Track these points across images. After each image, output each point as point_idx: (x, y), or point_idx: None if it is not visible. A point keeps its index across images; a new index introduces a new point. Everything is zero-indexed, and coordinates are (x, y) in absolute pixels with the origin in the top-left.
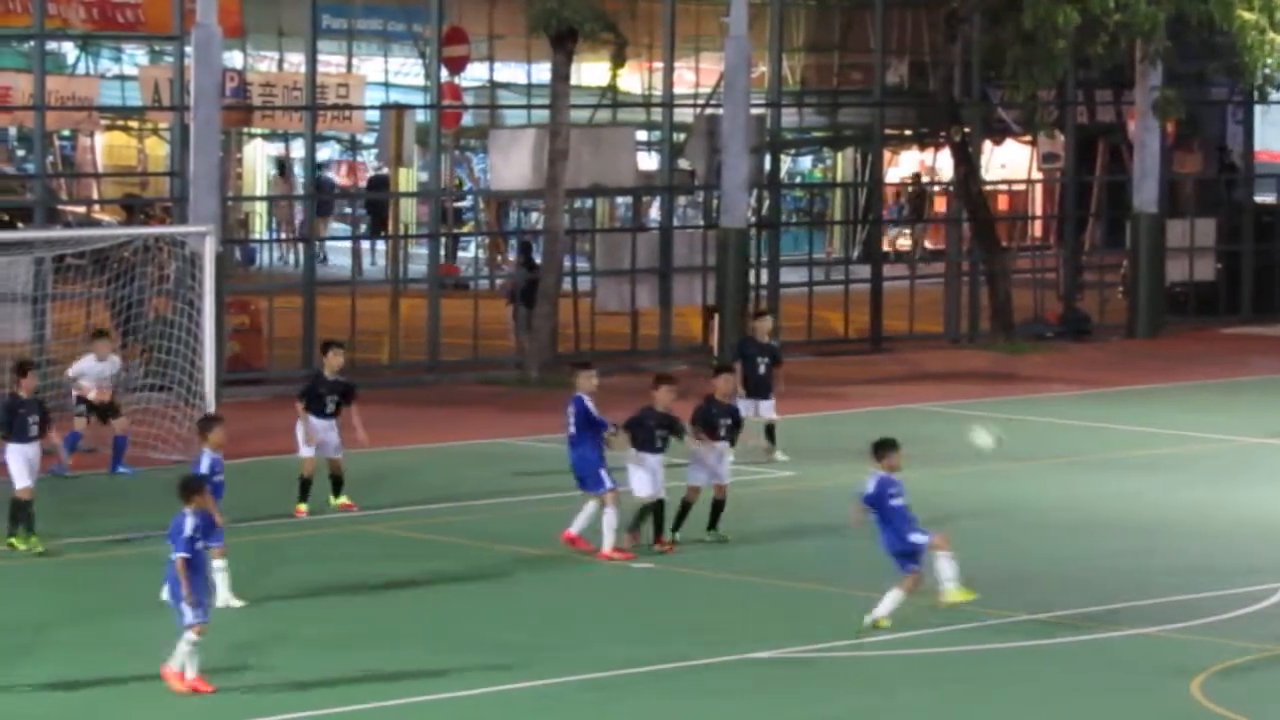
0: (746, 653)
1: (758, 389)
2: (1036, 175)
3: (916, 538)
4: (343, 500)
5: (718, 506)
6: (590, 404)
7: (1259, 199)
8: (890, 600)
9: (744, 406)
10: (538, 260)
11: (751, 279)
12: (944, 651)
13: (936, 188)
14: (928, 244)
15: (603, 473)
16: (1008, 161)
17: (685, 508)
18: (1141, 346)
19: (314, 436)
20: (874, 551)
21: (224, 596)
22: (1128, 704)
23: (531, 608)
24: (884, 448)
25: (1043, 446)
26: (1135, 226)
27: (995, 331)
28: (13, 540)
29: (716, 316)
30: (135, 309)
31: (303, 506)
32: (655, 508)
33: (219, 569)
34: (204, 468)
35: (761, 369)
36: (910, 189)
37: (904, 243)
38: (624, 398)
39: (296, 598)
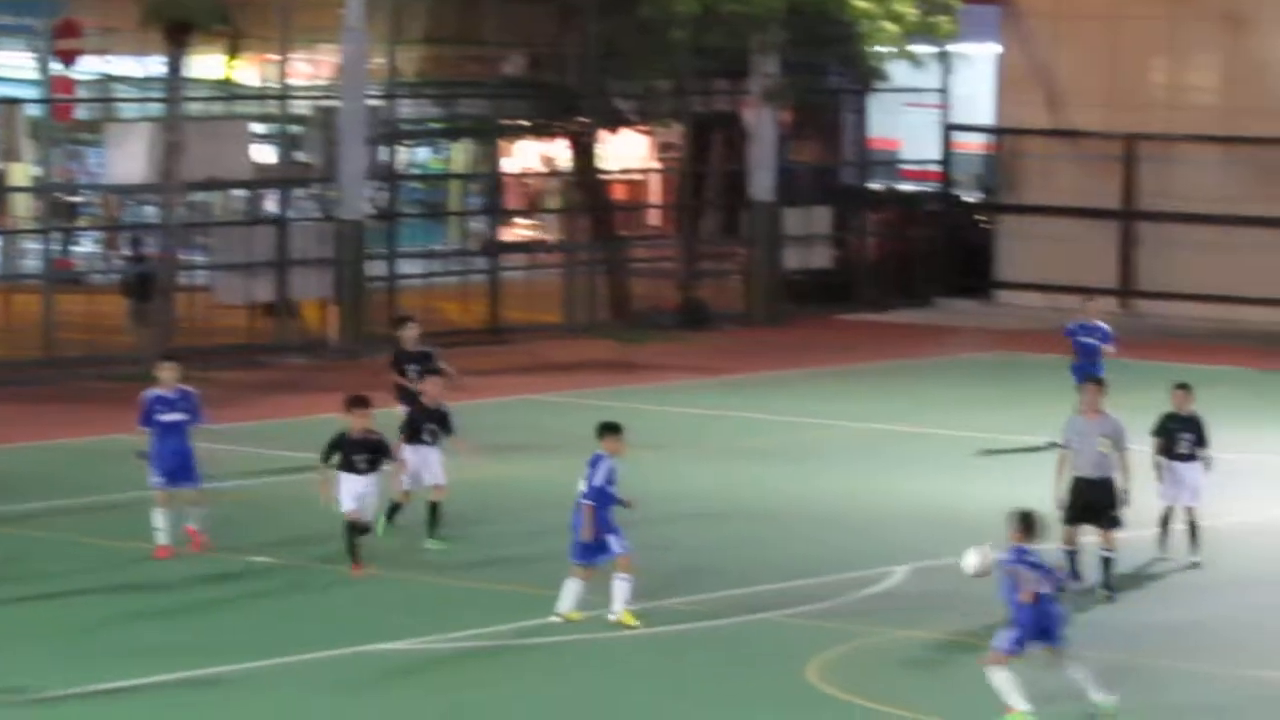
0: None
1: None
2: (654, 165)
3: (614, 544)
4: None
5: (434, 509)
6: None
7: (873, 186)
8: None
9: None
10: (149, 253)
11: (371, 271)
12: (564, 641)
13: (555, 178)
14: (546, 235)
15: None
16: (625, 151)
17: (394, 508)
18: (760, 335)
19: None
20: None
21: None
22: (743, 687)
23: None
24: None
25: (666, 436)
26: (752, 215)
27: (614, 321)
28: None
29: (333, 309)
30: None
31: None
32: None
33: None
34: None
35: (414, 376)
36: (529, 180)
37: (523, 233)
38: (244, 393)
39: None
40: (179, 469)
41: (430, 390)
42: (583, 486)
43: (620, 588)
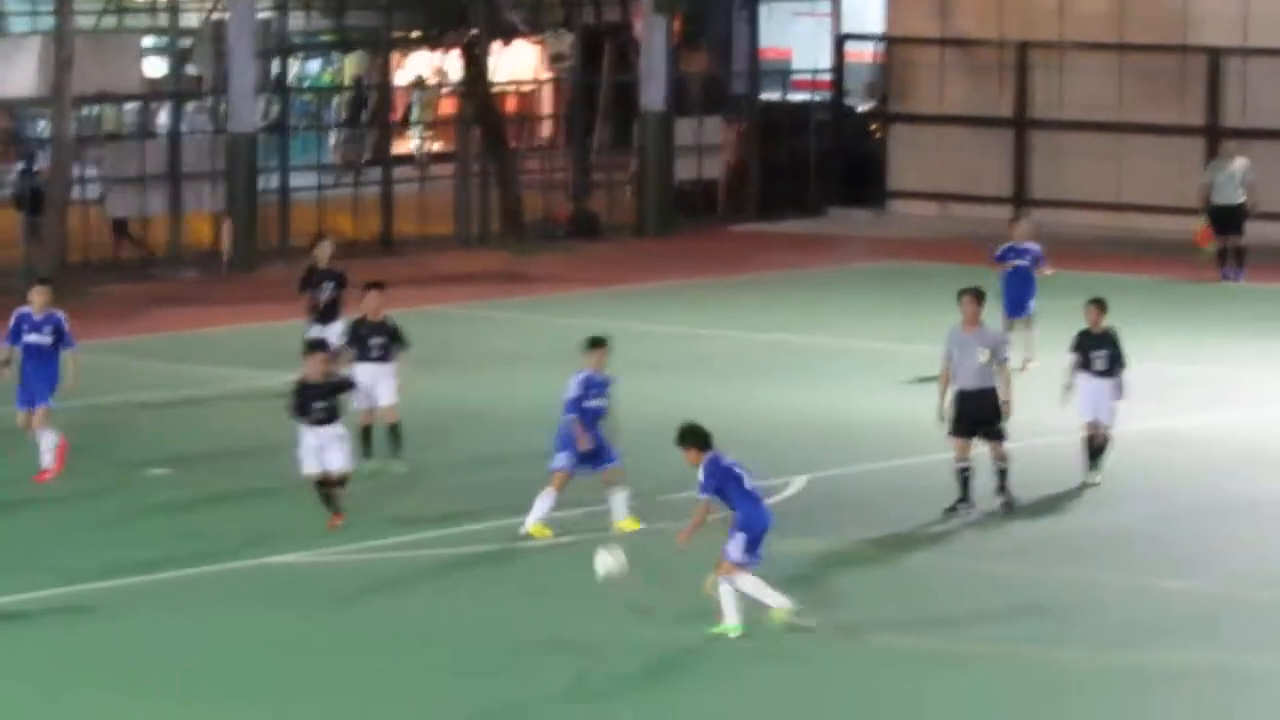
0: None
1: (329, 314)
2: (545, 76)
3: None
4: None
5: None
6: None
7: (764, 96)
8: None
9: (314, 332)
10: (41, 168)
11: (262, 184)
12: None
13: (445, 89)
14: (436, 146)
15: None
16: (516, 63)
17: (365, 434)
18: (651, 246)
19: None
20: None
21: None
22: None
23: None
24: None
25: (556, 348)
26: (643, 126)
27: (506, 233)
28: None
29: (226, 223)
30: None
31: None
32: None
33: None
34: None
35: (326, 294)
36: (420, 92)
37: (412, 145)
38: (137, 307)
39: None
40: (39, 392)
41: (370, 305)
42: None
43: (619, 497)
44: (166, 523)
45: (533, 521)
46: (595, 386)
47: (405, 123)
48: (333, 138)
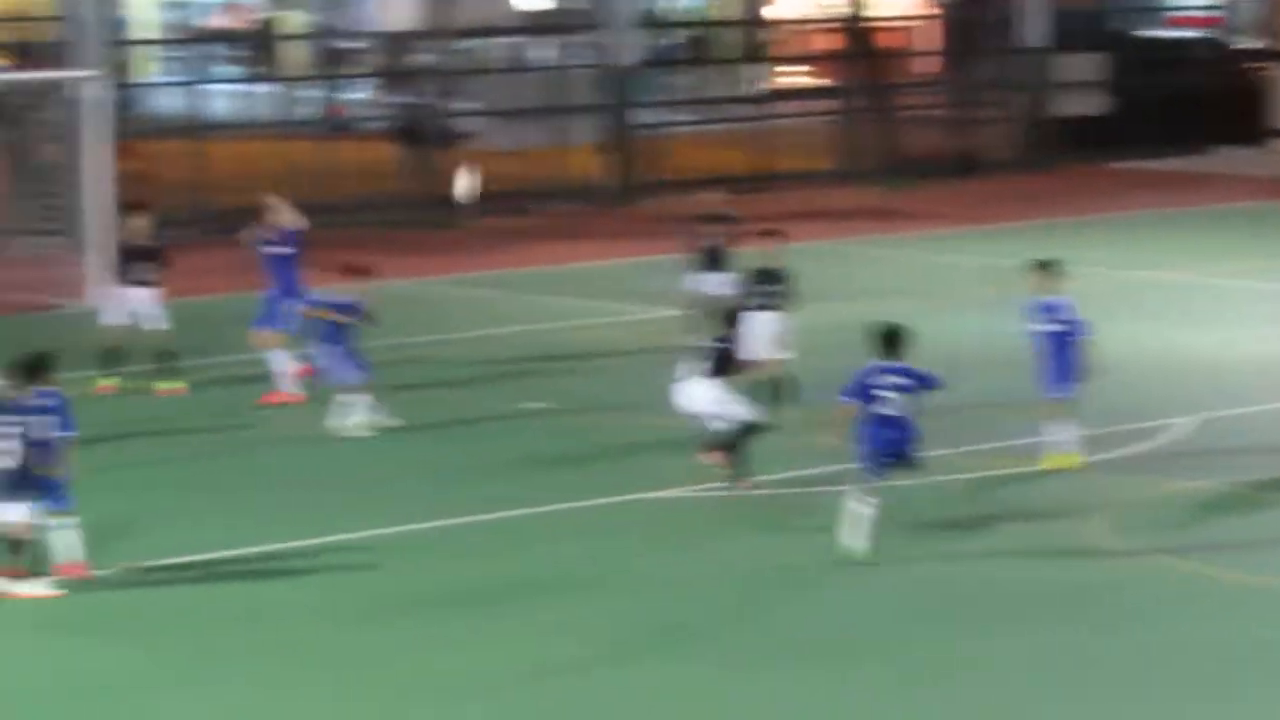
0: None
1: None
2: (925, 11)
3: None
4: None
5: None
6: None
7: (1141, 33)
8: None
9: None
10: (421, 101)
11: (639, 118)
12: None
13: (824, 24)
14: (817, 81)
15: None
16: None
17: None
18: (1030, 182)
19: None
20: None
21: None
22: (1029, 541)
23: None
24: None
25: (932, 284)
26: (1022, 61)
27: (883, 169)
28: None
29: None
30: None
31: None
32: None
33: None
34: None
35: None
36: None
37: (793, 81)
38: (514, 239)
39: None
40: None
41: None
42: (1040, 327)
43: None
44: (540, 457)
45: (1060, 452)
46: (1050, 310)
47: (782, 58)
48: (708, 72)
